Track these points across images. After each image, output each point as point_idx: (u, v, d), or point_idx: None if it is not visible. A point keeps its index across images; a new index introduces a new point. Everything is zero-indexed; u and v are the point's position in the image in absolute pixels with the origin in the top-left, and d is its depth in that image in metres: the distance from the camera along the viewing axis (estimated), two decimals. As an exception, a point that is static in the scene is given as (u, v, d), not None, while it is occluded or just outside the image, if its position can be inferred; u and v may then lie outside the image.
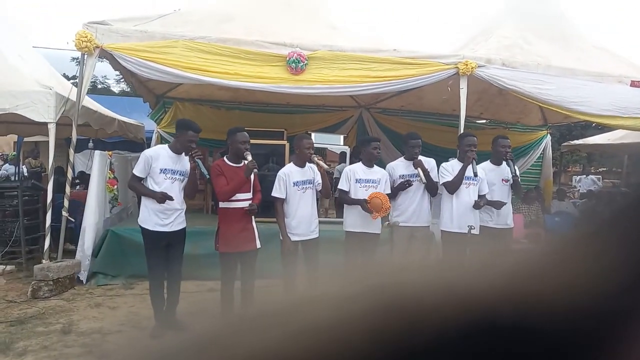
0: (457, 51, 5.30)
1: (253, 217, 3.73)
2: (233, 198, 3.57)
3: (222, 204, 3.64)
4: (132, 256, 4.91)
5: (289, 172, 3.83)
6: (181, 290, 3.81)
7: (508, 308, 0.20)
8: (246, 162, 3.56)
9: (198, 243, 4.74)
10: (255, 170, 3.54)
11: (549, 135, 9.77)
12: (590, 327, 0.19)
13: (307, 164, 3.83)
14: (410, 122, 8.86)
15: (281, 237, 3.78)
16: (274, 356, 0.23)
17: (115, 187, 5.90)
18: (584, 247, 0.22)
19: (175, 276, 3.73)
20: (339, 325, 0.23)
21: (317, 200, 4.26)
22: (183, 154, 3.61)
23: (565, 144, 11.88)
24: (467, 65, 4.99)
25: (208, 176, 3.58)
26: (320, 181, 3.85)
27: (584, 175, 15.58)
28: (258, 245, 3.74)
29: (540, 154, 9.70)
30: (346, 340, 0.22)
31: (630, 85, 5.52)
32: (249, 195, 3.68)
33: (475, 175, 3.96)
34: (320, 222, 4.04)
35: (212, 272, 4.91)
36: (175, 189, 3.56)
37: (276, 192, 3.79)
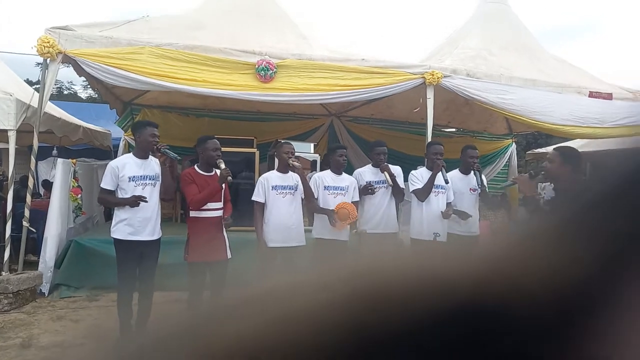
0: (424, 61, 5.43)
1: (224, 227, 3.69)
2: (204, 207, 3.53)
3: (192, 213, 3.58)
4: (97, 267, 4.79)
5: (269, 176, 3.86)
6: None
7: (484, 294, 0.21)
8: (218, 170, 3.54)
9: (165, 252, 4.63)
10: (230, 178, 3.51)
11: (514, 143, 10.05)
12: (559, 311, 0.20)
13: (290, 170, 3.86)
14: (380, 130, 8.97)
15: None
16: (250, 344, 0.23)
17: (79, 195, 5.74)
18: (555, 239, 0.22)
19: (148, 288, 3.62)
20: (316, 312, 0.23)
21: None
22: (150, 157, 3.54)
23: (529, 152, 12.24)
24: (433, 75, 5.11)
25: (179, 158, 3.53)
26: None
27: (548, 183, 16.11)
28: (229, 255, 3.70)
29: (506, 162, 9.97)
30: (323, 327, 0.22)
31: (589, 96, 5.75)
32: (220, 204, 3.64)
33: (447, 182, 4.05)
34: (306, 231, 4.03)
35: (178, 282, 4.82)
36: (147, 195, 3.48)
37: (255, 196, 3.82)
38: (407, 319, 0.21)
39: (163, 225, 3.78)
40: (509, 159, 9.96)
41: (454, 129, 9.82)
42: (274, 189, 3.79)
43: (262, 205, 3.79)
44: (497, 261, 0.23)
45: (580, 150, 9.65)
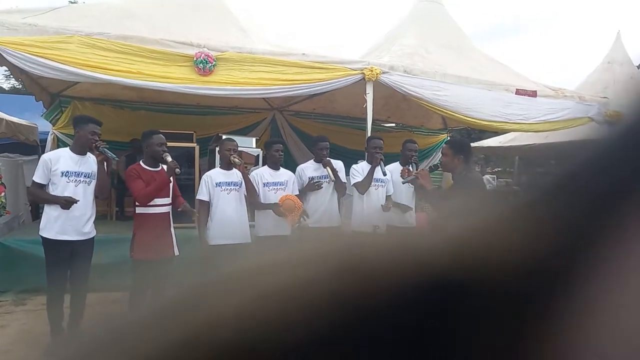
0: (363, 57, 5.53)
1: (172, 222, 3.62)
2: (151, 203, 3.45)
3: (139, 209, 3.49)
4: (23, 269, 4.50)
5: (212, 174, 3.81)
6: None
7: (457, 268, 0.22)
8: (165, 165, 3.48)
9: (100, 251, 4.44)
10: (178, 170, 3.44)
11: (449, 138, 10.51)
12: (528, 283, 0.21)
13: (234, 168, 3.83)
14: (322, 124, 9.06)
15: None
16: (233, 322, 0.22)
17: (3, 194, 5.36)
18: (525, 214, 0.23)
19: (80, 289, 3.46)
20: (298, 288, 0.23)
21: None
22: (87, 154, 3.39)
23: (463, 146, 12.82)
24: (372, 71, 5.22)
25: (116, 158, 3.42)
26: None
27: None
28: (176, 252, 3.64)
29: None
30: (305, 303, 0.22)
31: (515, 94, 6.11)
32: (168, 200, 3.57)
33: (385, 174, 4.17)
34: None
35: (115, 283, 4.65)
36: (79, 192, 3.32)
37: (199, 195, 3.77)
38: (387, 292, 0.22)
39: (97, 223, 3.62)
40: (444, 152, 10.40)
41: (393, 124, 10.10)
42: (218, 185, 3.76)
43: (207, 204, 3.74)
44: (467, 238, 0.23)
45: (508, 144, 10.26)
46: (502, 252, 0.22)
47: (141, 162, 3.56)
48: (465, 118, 5.89)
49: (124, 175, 3.55)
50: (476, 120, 5.96)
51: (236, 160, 3.71)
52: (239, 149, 6.15)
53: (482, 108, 5.86)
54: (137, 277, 3.48)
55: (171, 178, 3.49)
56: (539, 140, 9.08)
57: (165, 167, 3.49)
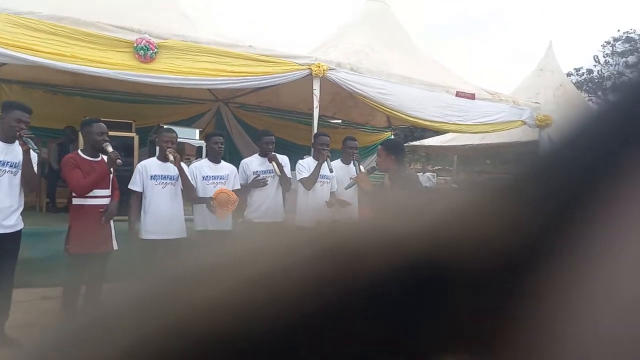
0: (310, 53, 5.53)
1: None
2: (90, 194, 3.28)
3: (75, 201, 3.30)
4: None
5: (148, 164, 3.66)
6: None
7: (437, 250, 0.22)
8: (105, 155, 3.32)
9: (29, 246, 4.17)
10: (119, 161, 3.28)
11: (393, 136, 10.78)
12: (506, 264, 0.22)
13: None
14: (268, 118, 8.99)
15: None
16: (218, 309, 0.22)
17: None
18: (503, 197, 0.24)
19: (6, 286, 3.23)
20: (281, 274, 0.23)
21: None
22: (15, 142, 3.16)
23: (405, 144, 13.23)
24: (319, 67, 5.24)
25: (37, 151, 3.20)
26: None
27: (421, 173, 17.60)
28: (115, 246, 3.48)
29: (386, 153, 10.66)
30: (289, 288, 0.22)
31: (455, 95, 6.36)
32: (108, 192, 3.41)
33: (331, 171, 4.20)
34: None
35: (46, 278, 4.39)
36: (4, 183, 3.09)
37: (132, 185, 3.60)
38: (369, 274, 0.22)
39: (26, 215, 3.40)
40: (388, 150, 10.67)
41: (339, 121, 10.21)
42: (153, 178, 3.62)
43: (139, 195, 3.60)
44: (456, 222, 0.23)
45: (448, 144, 10.70)
46: (478, 234, 0.22)
47: (79, 151, 3.40)
48: (408, 117, 6.05)
49: (60, 164, 3.35)
50: (418, 120, 6.15)
51: (170, 156, 3.58)
52: (182, 140, 6.01)
53: (423, 108, 6.05)
54: (72, 273, 3.31)
55: (111, 169, 3.33)
56: (476, 141, 9.54)
57: (105, 157, 3.35)
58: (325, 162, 4.19)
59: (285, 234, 0.29)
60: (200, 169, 4.04)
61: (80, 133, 3.56)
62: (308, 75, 5.27)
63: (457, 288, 0.22)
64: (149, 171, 3.62)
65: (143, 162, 3.74)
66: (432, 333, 0.23)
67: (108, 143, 3.32)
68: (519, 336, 0.22)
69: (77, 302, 3.36)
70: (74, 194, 3.32)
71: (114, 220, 3.52)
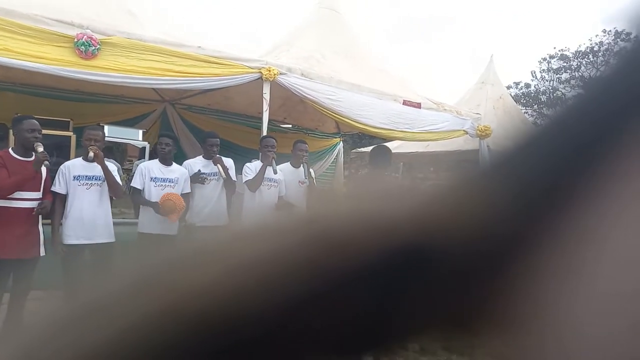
0: (261, 57, 5.49)
1: (40, 219, 3.24)
2: (16, 196, 3.06)
3: (0, 202, 3.07)
4: None
5: (72, 164, 3.47)
6: None
7: (424, 235, 0.23)
8: (36, 154, 3.11)
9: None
10: (47, 163, 3.09)
11: (341, 142, 10.91)
12: (488, 247, 0.22)
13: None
14: (216, 121, 8.82)
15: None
16: (212, 292, 0.22)
17: None
18: (484, 182, 0.25)
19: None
20: (273, 258, 0.23)
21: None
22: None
23: (354, 150, 13.44)
24: (270, 71, 5.21)
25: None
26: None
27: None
28: (42, 252, 3.27)
29: (334, 158, 10.77)
30: (281, 273, 0.23)
31: (403, 104, 6.55)
32: (38, 194, 3.20)
33: (275, 172, 4.17)
34: (116, 224, 3.73)
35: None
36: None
37: (54, 187, 3.39)
38: (356, 258, 0.23)
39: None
40: (336, 155, 10.78)
41: (289, 125, 10.21)
42: (76, 179, 3.44)
43: (63, 197, 3.42)
44: (441, 207, 0.24)
45: (394, 151, 10.92)
46: (460, 218, 0.23)
47: (10, 150, 3.20)
48: (357, 124, 6.15)
49: None
50: (367, 127, 6.26)
51: (90, 153, 3.42)
52: (124, 141, 5.77)
53: (372, 115, 6.17)
54: None
55: (44, 170, 3.14)
56: (420, 149, 9.85)
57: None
58: (271, 165, 4.16)
59: (274, 220, 0.30)
60: (150, 169, 3.91)
61: (10, 130, 3.33)
62: (258, 78, 5.23)
63: (441, 271, 0.23)
64: (72, 171, 3.44)
65: (67, 163, 3.56)
66: (417, 312, 0.24)
67: (39, 143, 3.15)
68: (495, 316, 0.23)
69: None
70: None
71: (42, 225, 3.32)
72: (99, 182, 3.53)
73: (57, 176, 3.46)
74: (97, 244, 3.49)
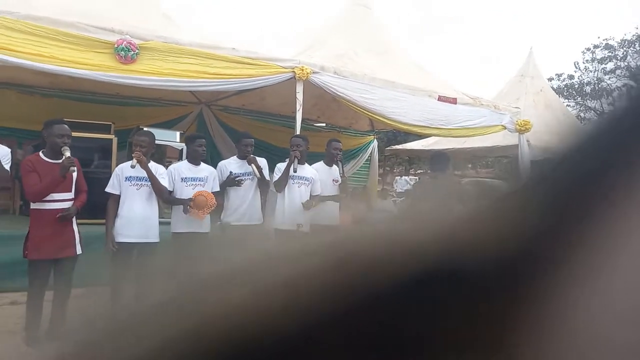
0: (294, 56, 5.51)
1: (75, 219, 3.36)
2: (49, 198, 3.17)
3: (34, 205, 3.20)
4: None
5: (124, 166, 3.63)
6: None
7: (449, 256, 0.23)
8: (63, 158, 3.21)
9: (1, 249, 4.08)
10: (72, 168, 3.18)
11: (375, 140, 10.81)
12: (513, 268, 0.22)
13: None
14: (251, 121, 8.93)
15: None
16: (234, 316, 0.23)
17: None
18: (510, 203, 0.25)
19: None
20: (298, 281, 0.23)
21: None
22: None
23: (388, 148, 13.31)
24: (303, 70, 5.23)
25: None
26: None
27: (399, 177, 17.76)
28: (78, 251, 3.39)
29: (368, 156, 10.69)
30: (304, 296, 0.23)
31: (437, 100, 6.42)
32: (70, 195, 3.30)
33: (295, 171, 4.14)
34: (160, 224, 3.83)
35: (15, 283, 4.28)
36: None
37: (109, 188, 3.57)
38: (383, 282, 0.23)
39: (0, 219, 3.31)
40: (370, 154, 10.70)
41: (323, 124, 10.22)
42: (127, 180, 3.57)
43: (117, 198, 3.55)
44: (467, 228, 0.24)
45: (430, 147, 10.74)
46: (489, 240, 0.23)
47: (40, 153, 3.28)
48: (391, 122, 6.09)
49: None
50: (400, 124, 6.18)
51: (134, 161, 3.52)
52: (163, 143, 5.92)
53: (406, 112, 6.08)
54: (33, 279, 3.23)
55: (71, 170, 3.20)
56: (457, 145, 9.63)
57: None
58: (293, 163, 4.12)
59: (299, 239, 0.31)
60: (179, 170, 4.00)
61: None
62: (291, 78, 5.26)
63: (470, 292, 0.23)
64: (124, 173, 3.58)
65: (120, 166, 3.71)
66: (446, 334, 0.23)
67: (67, 147, 3.21)
68: (519, 339, 0.22)
69: (41, 307, 3.29)
70: (28, 199, 3.23)
71: (82, 224, 3.44)
72: (148, 183, 3.64)
73: (112, 178, 3.61)
74: (145, 242, 3.60)
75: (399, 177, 17.71)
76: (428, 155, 12.27)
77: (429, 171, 3.55)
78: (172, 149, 6.21)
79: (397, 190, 16.90)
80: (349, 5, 7.29)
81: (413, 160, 25.06)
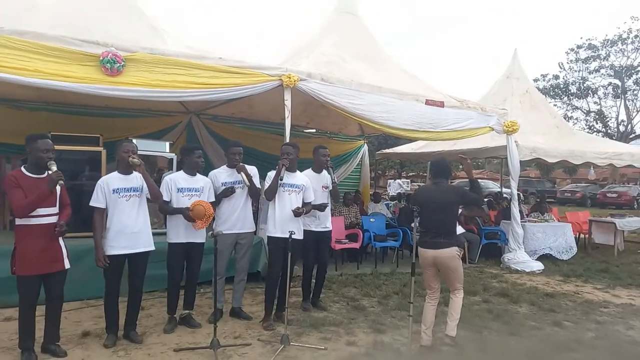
0: (281, 64, 5.55)
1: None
2: (34, 213, 3.13)
3: (19, 221, 3.16)
4: None
5: (109, 179, 3.56)
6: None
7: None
8: (50, 172, 3.18)
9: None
10: (61, 182, 3.15)
11: (365, 144, 10.86)
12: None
13: (134, 171, 3.61)
14: (241, 129, 8.94)
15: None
16: None
17: None
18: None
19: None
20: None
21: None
22: None
23: (379, 152, 13.34)
24: (290, 78, 5.25)
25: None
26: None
27: (392, 180, 17.85)
28: (67, 265, 3.35)
29: (359, 161, 10.73)
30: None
31: (425, 104, 6.48)
32: (55, 209, 3.26)
33: (281, 179, 4.12)
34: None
35: (8, 299, 4.23)
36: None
37: (94, 202, 3.49)
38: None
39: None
40: (361, 158, 10.74)
41: (313, 130, 10.25)
42: (115, 192, 3.53)
43: (103, 211, 3.51)
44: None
45: (419, 150, 10.74)
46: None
47: (22, 168, 3.22)
48: (379, 126, 6.12)
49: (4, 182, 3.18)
50: (389, 129, 6.22)
51: (135, 160, 3.50)
52: (153, 154, 5.91)
53: (394, 117, 6.13)
54: (23, 294, 3.20)
55: (60, 183, 3.18)
56: (447, 147, 9.69)
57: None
58: (281, 171, 4.09)
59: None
60: (176, 181, 3.99)
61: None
62: (279, 86, 5.28)
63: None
64: (110, 185, 3.53)
65: (103, 178, 3.63)
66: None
67: (53, 162, 3.16)
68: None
69: (34, 321, 3.26)
70: (15, 215, 3.17)
71: (64, 238, 3.40)
72: (137, 193, 3.62)
73: (95, 191, 3.53)
74: (138, 252, 3.59)
75: (392, 180, 17.75)
76: (418, 158, 12.36)
77: (430, 177, 3.88)
78: (163, 158, 6.20)
79: (390, 194, 16.94)
80: (336, 13, 7.36)
81: (404, 163, 25.17)
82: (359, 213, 7.92)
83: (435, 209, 3.57)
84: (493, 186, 22.50)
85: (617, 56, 29.13)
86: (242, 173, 4.13)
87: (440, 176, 3.78)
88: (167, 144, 6.22)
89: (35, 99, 7.00)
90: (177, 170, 4.77)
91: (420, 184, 21.47)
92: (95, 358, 3.34)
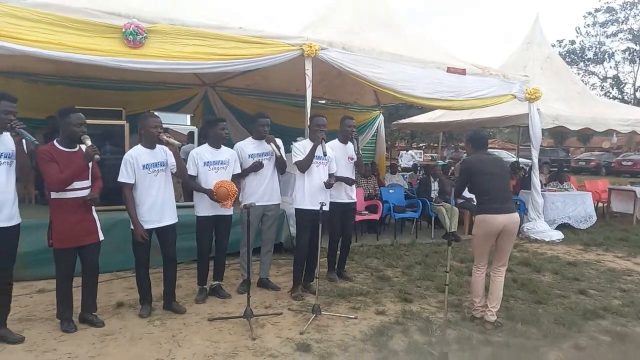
0: (300, 33, 5.42)
1: (94, 206, 3.37)
2: (69, 187, 3.17)
3: (54, 194, 3.19)
4: None
5: (137, 154, 3.54)
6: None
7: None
8: (84, 146, 3.19)
9: (21, 239, 4.10)
10: (97, 156, 3.17)
11: (381, 115, 10.73)
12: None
13: (157, 145, 3.60)
14: (256, 101, 8.87)
15: (132, 226, 3.50)
16: None
17: None
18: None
19: (4, 280, 3.16)
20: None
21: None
22: (4, 133, 3.05)
23: (394, 122, 13.19)
24: (311, 47, 5.15)
25: (37, 143, 3.06)
26: (174, 162, 3.65)
27: (405, 151, 17.72)
28: (100, 237, 3.42)
29: (375, 132, 10.63)
30: None
31: (447, 71, 6.34)
32: (87, 183, 3.29)
33: (325, 154, 4.14)
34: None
35: (40, 271, 4.33)
36: (2, 175, 3.00)
37: (123, 177, 3.49)
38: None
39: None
40: (377, 129, 10.63)
41: (327, 100, 10.12)
42: (145, 167, 3.51)
43: (132, 186, 3.51)
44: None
45: (436, 120, 10.64)
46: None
47: (55, 142, 3.23)
48: (400, 95, 6.02)
49: (36, 156, 3.19)
50: (410, 97, 6.12)
51: (171, 140, 3.48)
52: (171, 126, 5.90)
53: (416, 85, 6.02)
54: (60, 267, 3.27)
55: (95, 157, 3.18)
56: (465, 117, 9.56)
57: (83, 148, 3.21)
58: (320, 145, 4.11)
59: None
60: (201, 154, 3.99)
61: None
62: (300, 55, 5.18)
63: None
64: (140, 161, 3.51)
65: (130, 153, 3.58)
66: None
67: (87, 136, 3.17)
68: None
69: (71, 293, 3.33)
70: (50, 189, 3.20)
71: (97, 211, 3.44)
72: (164, 167, 3.63)
73: (123, 166, 3.51)
74: (164, 225, 3.62)
75: (405, 151, 17.64)
76: (435, 128, 12.21)
77: (467, 149, 3.95)
78: (177, 132, 6.18)
79: (402, 165, 16.86)
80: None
81: (415, 134, 24.91)
82: (377, 185, 7.90)
83: (497, 176, 3.58)
84: (507, 156, 22.31)
85: (637, 19, 28.24)
86: (271, 144, 4.12)
87: (483, 147, 3.78)
88: (188, 116, 6.19)
89: (52, 72, 6.98)
90: (199, 143, 4.76)
91: (433, 155, 21.31)
92: (132, 328, 3.42)
